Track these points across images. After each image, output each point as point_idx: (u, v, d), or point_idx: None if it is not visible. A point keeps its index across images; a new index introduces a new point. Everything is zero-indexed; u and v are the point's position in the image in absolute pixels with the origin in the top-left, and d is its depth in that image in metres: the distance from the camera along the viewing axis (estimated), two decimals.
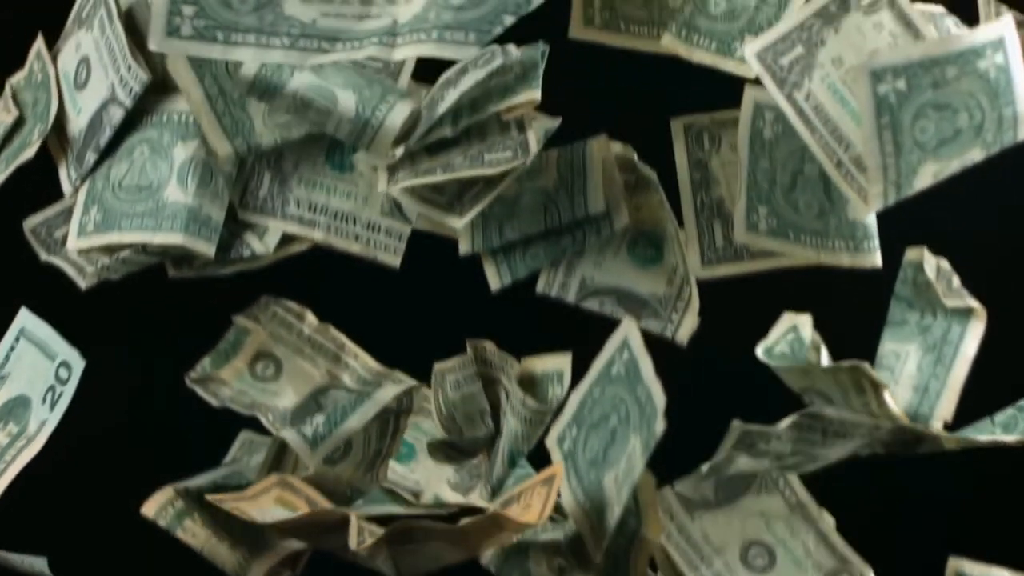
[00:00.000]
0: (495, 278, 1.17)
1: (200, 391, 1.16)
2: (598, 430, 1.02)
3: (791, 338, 1.03)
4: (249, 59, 0.94)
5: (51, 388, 1.05)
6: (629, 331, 1.01)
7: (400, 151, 1.07)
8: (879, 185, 1.01)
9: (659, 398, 0.96)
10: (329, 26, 0.92)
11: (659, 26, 1.14)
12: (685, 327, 1.16)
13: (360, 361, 1.20)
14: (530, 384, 1.15)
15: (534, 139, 1.07)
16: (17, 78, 1.15)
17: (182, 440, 1.24)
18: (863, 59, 1.02)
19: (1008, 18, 1.02)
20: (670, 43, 1.12)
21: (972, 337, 1.10)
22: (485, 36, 0.90)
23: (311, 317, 1.20)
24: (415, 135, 1.07)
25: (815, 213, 1.13)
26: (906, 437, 1.03)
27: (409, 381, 1.16)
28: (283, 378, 1.19)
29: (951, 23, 1.09)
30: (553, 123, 1.10)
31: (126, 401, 1.36)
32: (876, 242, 1.13)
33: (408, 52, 0.93)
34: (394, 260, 1.14)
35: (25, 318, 1.09)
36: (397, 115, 1.07)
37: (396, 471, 1.19)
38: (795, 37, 1.05)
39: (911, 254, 1.13)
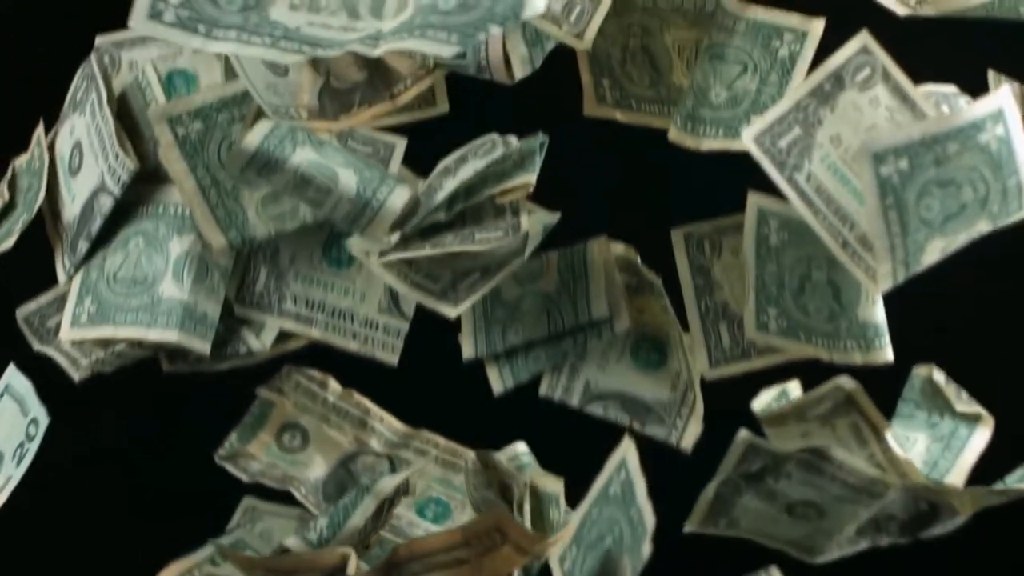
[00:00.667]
0: (498, 382, 1.12)
1: (230, 468, 1.12)
2: (595, 550, 0.98)
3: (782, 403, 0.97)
4: (229, 52, 0.90)
5: (20, 444, 1.02)
6: (627, 451, 0.96)
7: (395, 237, 1.03)
8: (888, 265, 0.97)
9: (649, 520, 0.92)
10: (314, 34, 0.88)
11: (669, 104, 1.10)
12: (689, 433, 1.10)
13: (386, 424, 1.15)
14: (535, 499, 1.09)
15: (527, 221, 1.03)
16: (21, 160, 1.11)
17: (183, 505, 1.20)
18: (862, 136, 0.98)
19: (1006, 89, 0.97)
20: (677, 136, 1.08)
21: (979, 439, 1.05)
22: (468, 40, 0.85)
23: (334, 384, 1.15)
24: (412, 221, 1.03)
25: (825, 316, 1.08)
26: (921, 508, 0.97)
27: (436, 438, 1.12)
28: (311, 447, 1.15)
29: (964, 102, 1.05)
30: (552, 218, 1.06)
31: (126, 462, 1.29)
32: (887, 339, 1.07)
33: (390, 48, 0.89)
34: (392, 358, 1.10)
35: (11, 375, 1.05)
36: (397, 199, 1.03)
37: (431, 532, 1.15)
38: (792, 118, 1.01)
39: (920, 370, 1.08)
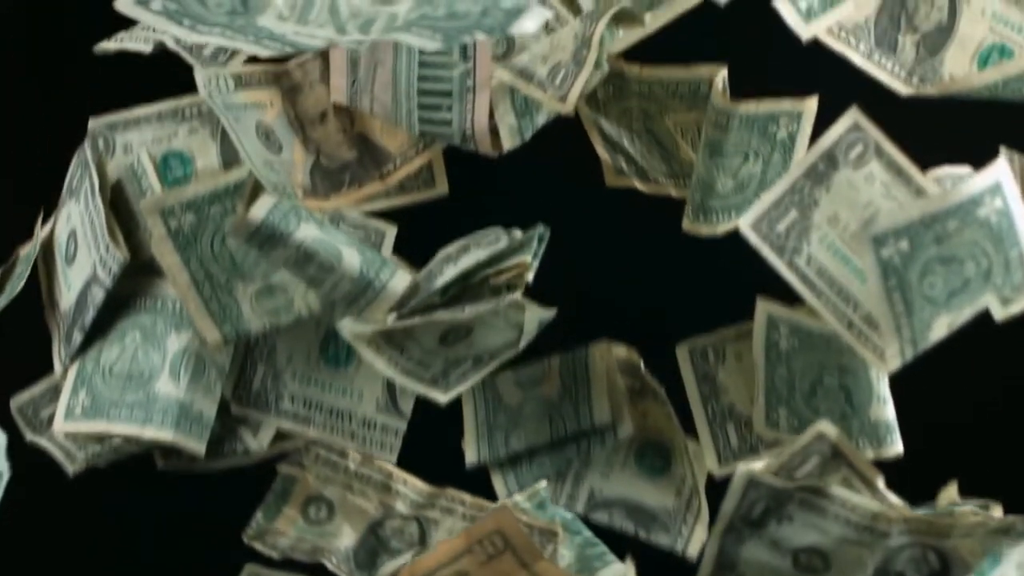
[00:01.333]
0: (502, 488, 1.08)
1: (258, 546, 1.07)
2: None
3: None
4: (212, 43, 0.87)
5: None
6: (628, 571, 0.95)
7: (391, 319, 0.99)
8: (895, 345, 0.92)
9: None
10: (299, 41, 0.85)
11: (684, 176, 1.07)
12: (695, 540, 1.06)
13: (410, 486, 1.09)
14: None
15: (519, 295, 0.99)
16: (27, 248, 1.07)
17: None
18: (859, 214, 0.94)
19: (1002, 161, 0.93)
20: (691, 227, 1.04)
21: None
22: (453, 40, 0.82)
23: (354, 452, 1.09)
24: (409, 305, 0.99)
25: (836, 418, 1.03)
26: (931, 564, 0.92)
27: (462, 495, 1.07)
28: (337, 517, 1.09)
29: None
30: (548, 313, 1.02)
31: (124, 533, 1.26)
32: (897, 434, 1.03)
33: (375, 39, 0.86)
34: (390, 458, 1.06)
35: None
36: (399, 282, 1.00)
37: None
38: (787, 202, 0.97)
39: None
